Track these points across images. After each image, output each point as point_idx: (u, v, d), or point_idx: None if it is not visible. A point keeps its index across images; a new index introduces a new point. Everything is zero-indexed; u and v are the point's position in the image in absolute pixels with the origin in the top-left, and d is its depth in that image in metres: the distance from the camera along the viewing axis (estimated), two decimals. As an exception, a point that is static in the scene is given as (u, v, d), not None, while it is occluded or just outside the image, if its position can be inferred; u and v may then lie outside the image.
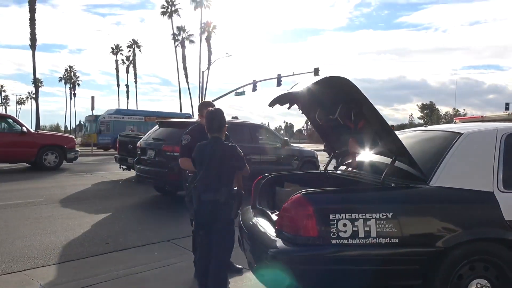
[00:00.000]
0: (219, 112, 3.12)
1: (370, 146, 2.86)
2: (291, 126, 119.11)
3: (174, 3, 48.27)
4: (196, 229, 3.30)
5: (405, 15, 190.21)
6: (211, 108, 3.38)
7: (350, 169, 2.97)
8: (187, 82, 49.58)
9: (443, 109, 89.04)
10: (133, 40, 64.19)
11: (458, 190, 2.46)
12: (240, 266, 3.84)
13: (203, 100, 40.32)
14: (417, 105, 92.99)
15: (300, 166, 9.40)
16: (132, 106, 63.01)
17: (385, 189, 2.50)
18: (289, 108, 3.38)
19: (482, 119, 3.44)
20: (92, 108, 21.89)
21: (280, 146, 9.05)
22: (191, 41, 49.61)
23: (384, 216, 2.29)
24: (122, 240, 5.06)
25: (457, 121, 3.79)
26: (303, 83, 2.90)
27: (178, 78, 52.27)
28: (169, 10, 48.17)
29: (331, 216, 2.30)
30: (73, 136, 13.95)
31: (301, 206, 2.39)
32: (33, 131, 12.59)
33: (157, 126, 8.30)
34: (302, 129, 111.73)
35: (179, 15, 49.49)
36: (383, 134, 2.65)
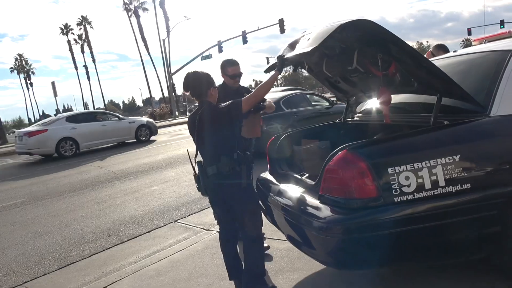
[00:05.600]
0: (196, 75, 2.56)
1: (408, 90, 2.45)
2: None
3: (120, -31, 44.76)
4: (212, 208, 2.91)
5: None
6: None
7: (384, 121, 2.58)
8: (149, 54, 47.56)
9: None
10: (82, 17, 59.57)
11: (526, 117, 2.12)
12: (266, 245, 3.28)
13: (169, 69, 38.71)
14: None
15: None
16: (95, 88, 60.30)
17: (444, 128, 2.13)
18: (294, 70, 2.91)
19: (510, 35, 3.08)
20: (55, 95, 20.51)
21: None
22: (145, 9, 46.74)
23: (451, 160, 1.94)
24: (125, 230, 4.64)
25: (476, 42, 3.43)
26: (305, 41, 2.36)
27: (139, 51, 50.13)
28: (115, -23, 44.66)
29: (389, 170, 1.93)
30: None
31: (351, 163, 2.00)
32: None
33: None
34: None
35: (127, -18, 45.98)
36: (423, 73, 2.25)
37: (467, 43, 58.24)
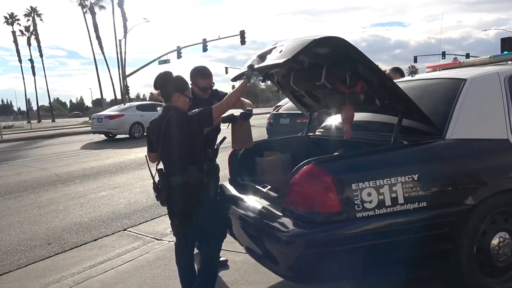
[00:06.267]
0: (167, 76, 2.46)
1: (371, 109, 2.54)
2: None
3: (77, -37, 42.99)
4: (170, 218, 2.77)
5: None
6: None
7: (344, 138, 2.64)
8: (103, 53, 45.69)
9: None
10: (31, 7, 56.24)
11: (476, 141, 2.27)
12: (223, 259, 3.22)
13: (124, 71, 37.43)
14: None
15: None
16: (41, 84, 56.80)
17: (404, 148, 2.22)
18: (263, 81, 2.90)
19: (460, 65, 3.33)
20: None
21: None
22: (101, 7, 45.29)
23: (410, 179, 2.02)
24: (68, 237, 4.33)
25: (430, 69, 3.67)
26: (277, 52, 2.35)
27: (92, 49, 48.07)
28: (71, -29, 42.85)
29: (353, 186, 1.96)
30: None
31: (317, 177, 2.01)
32: None
33: None
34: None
35: (84, -23, 44.25)
36: (388, 94, 2.35)
37: (413, 70, 62.49)
